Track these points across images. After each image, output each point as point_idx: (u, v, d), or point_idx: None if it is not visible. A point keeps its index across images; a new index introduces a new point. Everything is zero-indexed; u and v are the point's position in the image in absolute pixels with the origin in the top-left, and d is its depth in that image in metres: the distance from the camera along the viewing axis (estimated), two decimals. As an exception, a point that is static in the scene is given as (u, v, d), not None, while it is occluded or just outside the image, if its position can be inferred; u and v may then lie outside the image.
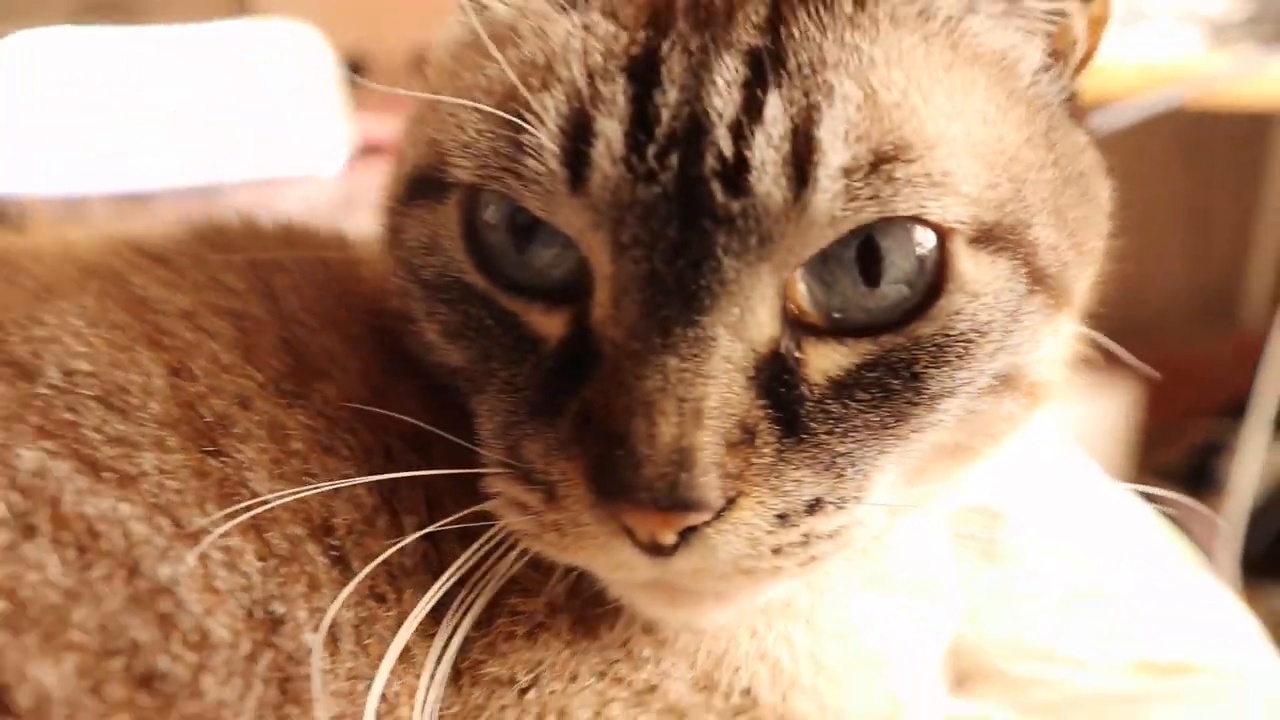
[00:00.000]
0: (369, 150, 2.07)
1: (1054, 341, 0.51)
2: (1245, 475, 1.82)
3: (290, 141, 1.93)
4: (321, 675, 0.43)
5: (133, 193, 1.84)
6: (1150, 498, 0.83)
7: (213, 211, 0.65)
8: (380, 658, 0.45)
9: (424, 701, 0.45)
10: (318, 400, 0.51)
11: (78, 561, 0.42)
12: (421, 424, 0.50)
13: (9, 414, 0.46)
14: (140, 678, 0.41)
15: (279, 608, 0.44)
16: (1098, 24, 0.52)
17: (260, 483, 0.47)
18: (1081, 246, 0.50)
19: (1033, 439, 0.58)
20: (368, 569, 0.45)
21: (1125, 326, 0.55)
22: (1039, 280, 0.48)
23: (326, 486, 0.46)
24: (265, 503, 0.45)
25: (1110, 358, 0.57)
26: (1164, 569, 0.82)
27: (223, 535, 0.44)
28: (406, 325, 0.52)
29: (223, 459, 0.47)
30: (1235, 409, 1.98)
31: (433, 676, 0.46)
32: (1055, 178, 0.49)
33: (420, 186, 0.51)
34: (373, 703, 0.43)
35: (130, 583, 0.42)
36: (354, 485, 0.48)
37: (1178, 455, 2.18)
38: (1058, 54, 0.51)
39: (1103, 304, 0.57)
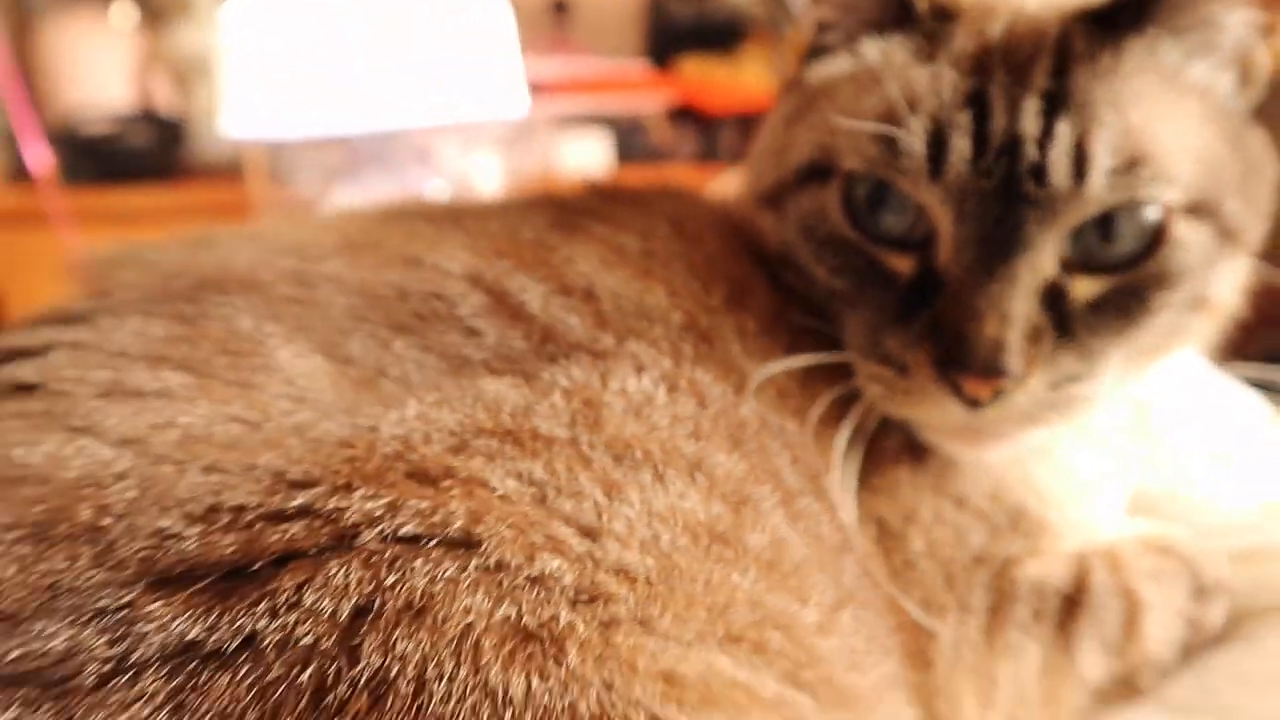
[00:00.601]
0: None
1: (1234, 275, 0.75)
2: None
3: (478, 87, 2.13)
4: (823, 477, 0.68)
5: (334, 138, 2.08)
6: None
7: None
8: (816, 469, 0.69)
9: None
10: (752, 310, 0.72)
11: (700, 404, 0.63)
12: (815, 324, 0.73)
13: (597, 323, 0.65)
14: (766, 469, 0.63)
15: (786, 435, 0.68)
16: (1277, 53, 0.75)
17: (746, 364, 0.67)
18: (1257, 210, 0.73)
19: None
20: (816, 410, 0.70)
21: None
22: (1226, 235, 0.70)
23: (805, 361, 0.70)
24: (794, 365, 0.69)
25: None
26: (1272, 435, 1.05)
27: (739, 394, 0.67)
28: (790, 264, 0.75)
29: (720, 349, 0.68)
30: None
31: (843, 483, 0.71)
32: (1241, 168, 0.71)
33: (811, 173, 0.74)
34: (835, 490, 0.68)
35: (731, 416, 0.64)
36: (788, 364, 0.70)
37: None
38: (1244, 77, 0.73)
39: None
